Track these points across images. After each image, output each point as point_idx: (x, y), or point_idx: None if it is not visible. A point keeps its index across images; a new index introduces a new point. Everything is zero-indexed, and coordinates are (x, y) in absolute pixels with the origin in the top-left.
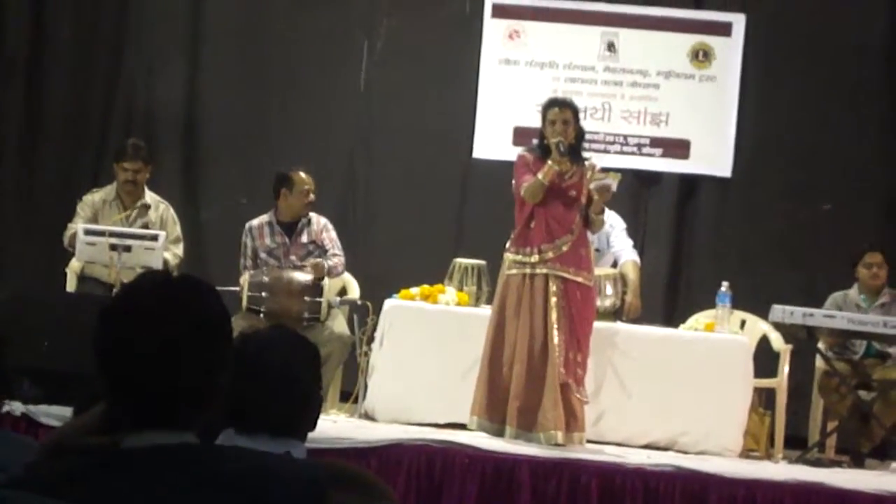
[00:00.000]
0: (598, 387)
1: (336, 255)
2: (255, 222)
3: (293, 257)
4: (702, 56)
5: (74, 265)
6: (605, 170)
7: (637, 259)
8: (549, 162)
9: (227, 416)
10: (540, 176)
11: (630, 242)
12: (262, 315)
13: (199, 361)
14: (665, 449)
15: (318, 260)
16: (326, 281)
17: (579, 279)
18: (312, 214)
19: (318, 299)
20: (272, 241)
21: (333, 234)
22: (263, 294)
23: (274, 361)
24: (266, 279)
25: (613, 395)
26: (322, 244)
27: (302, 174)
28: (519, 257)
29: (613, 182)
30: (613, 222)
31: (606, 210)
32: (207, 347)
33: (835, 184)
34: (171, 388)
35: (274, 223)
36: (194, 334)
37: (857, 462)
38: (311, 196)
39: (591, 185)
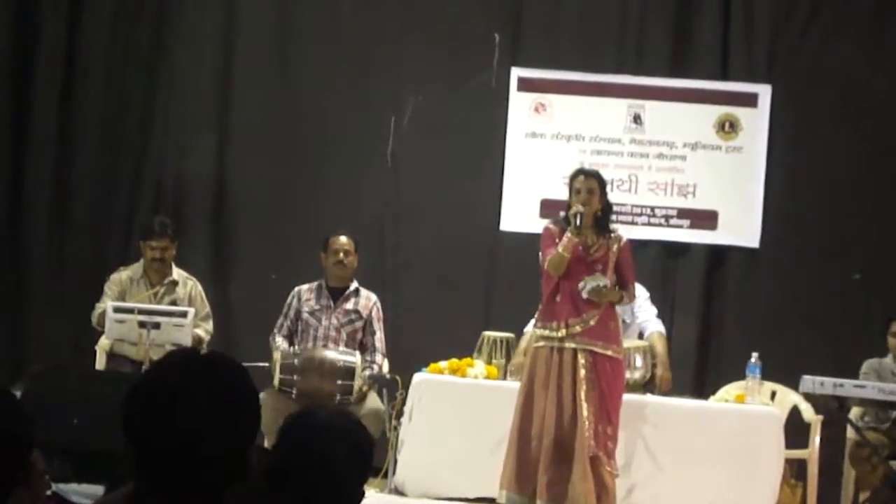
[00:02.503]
0: (629, 459)
1: (379, 344)
2: (304, 286)
3: (334, 321)
4: (728, 127)
5: (103, 343)
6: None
7: (663, 329)
8: (569, 234)
9: (266, 495)
10: (560, 249)
11: (654, 311)
12: (293, 395)
13: (227, 439)
14: None
15: (366, 374)
16: (358, 361)
17: (608, 352)
18: (362, 288)
19: (349, 382)
20: (317, 302)
21: (381, 314)
22: (295, 376)
23: (321, 452)
24: (297, 361)
25: (644, 468)
26: (369, 320)
27: (339, 237)
28: (546, 332)
29: (595, 281)
30: (637, 292)
31: None
32: (235, 426)
33: (864, 252)
34: (200, 465)
35: (323, 286)
36: (222, 413)
37: None
38: (341, 256)
39: (584, 295)
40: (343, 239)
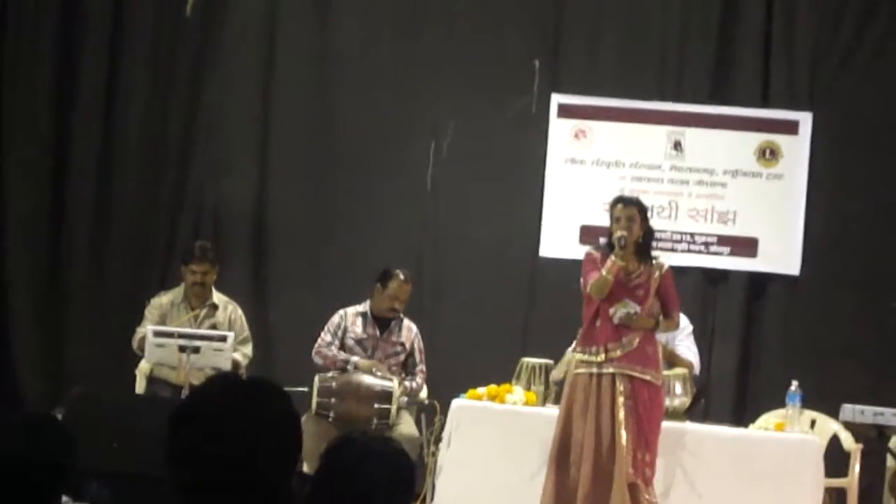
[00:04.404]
0: (668, 487)
1: (420, 374)
2: (350, 309)
3: (379, 353)
4: (769, 154)
5: (143, 367)
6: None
7: (694, 363)
8: (613, 257)
9: None
10: (604, 272)
11: (695, 349)
12: (330, 420)
13: (268, 464)
14: None
15: (406, 384)
16: (396, 385)
17: (647, 377)
18: (405, 319)
19: (386, 406)
20: (363, 331)
21: (422, 345)
22: (332, 399)
23: (363, 478)
24: (335, 385)
25: (683, 496)
26: (412, 352)
27: (400, 280)
28: (585, 356)
29: (625, 308)
30: (681, 324)
31: None
32: (277, 451)
33: None
34: (241, 490)
35: (368, 314)
36: (264, 438)
37: None
38: (398, 305)
39: (615, 321)
40: (402, 288)
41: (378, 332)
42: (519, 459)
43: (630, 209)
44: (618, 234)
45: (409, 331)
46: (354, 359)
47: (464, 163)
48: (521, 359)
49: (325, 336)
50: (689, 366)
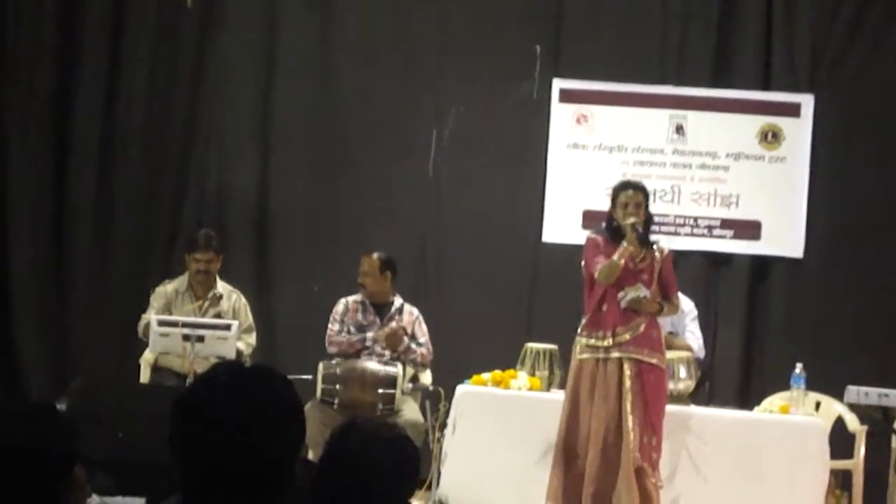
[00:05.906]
0: (673, 471)
1: (423, 346)
2: (350, 298)
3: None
4: (771, 137)
5: (148, 356)
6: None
7: (698, 349)
8: (625, 243)
9: None
10: (615, 257)
11: (699, 336)
12: (335, 406)
13: (273, 452)
14: None
15: (396, 327)
16: (400, 371)
17: (653, 361)
18: (406, 304)
19: (391, 391)
20: (364, 318)
21: (425, 327)
22: (337, 386)
23: (368, 464)
24: (339, 371)
25: (688, 479)
26: (413, 335)
27: (363, 258)
28: (592, 341)
29: (636, 291)
30: (686, 308)
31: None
32: (281, 438)
33: None
34: (246, 478)
35: (367, 302)
36: (268, 425)
37: None
38: (360, 278)
39: (623, 305)
40: (364, 261)
41: (378, 319)
42: (524, 445)
43: (638, 195)
44: (631, 220)
45: (411, 315)
46: (370, 335)
47: (466, 149)
48: (526, 344)
49: (333, 326)
50: (688, 349)
